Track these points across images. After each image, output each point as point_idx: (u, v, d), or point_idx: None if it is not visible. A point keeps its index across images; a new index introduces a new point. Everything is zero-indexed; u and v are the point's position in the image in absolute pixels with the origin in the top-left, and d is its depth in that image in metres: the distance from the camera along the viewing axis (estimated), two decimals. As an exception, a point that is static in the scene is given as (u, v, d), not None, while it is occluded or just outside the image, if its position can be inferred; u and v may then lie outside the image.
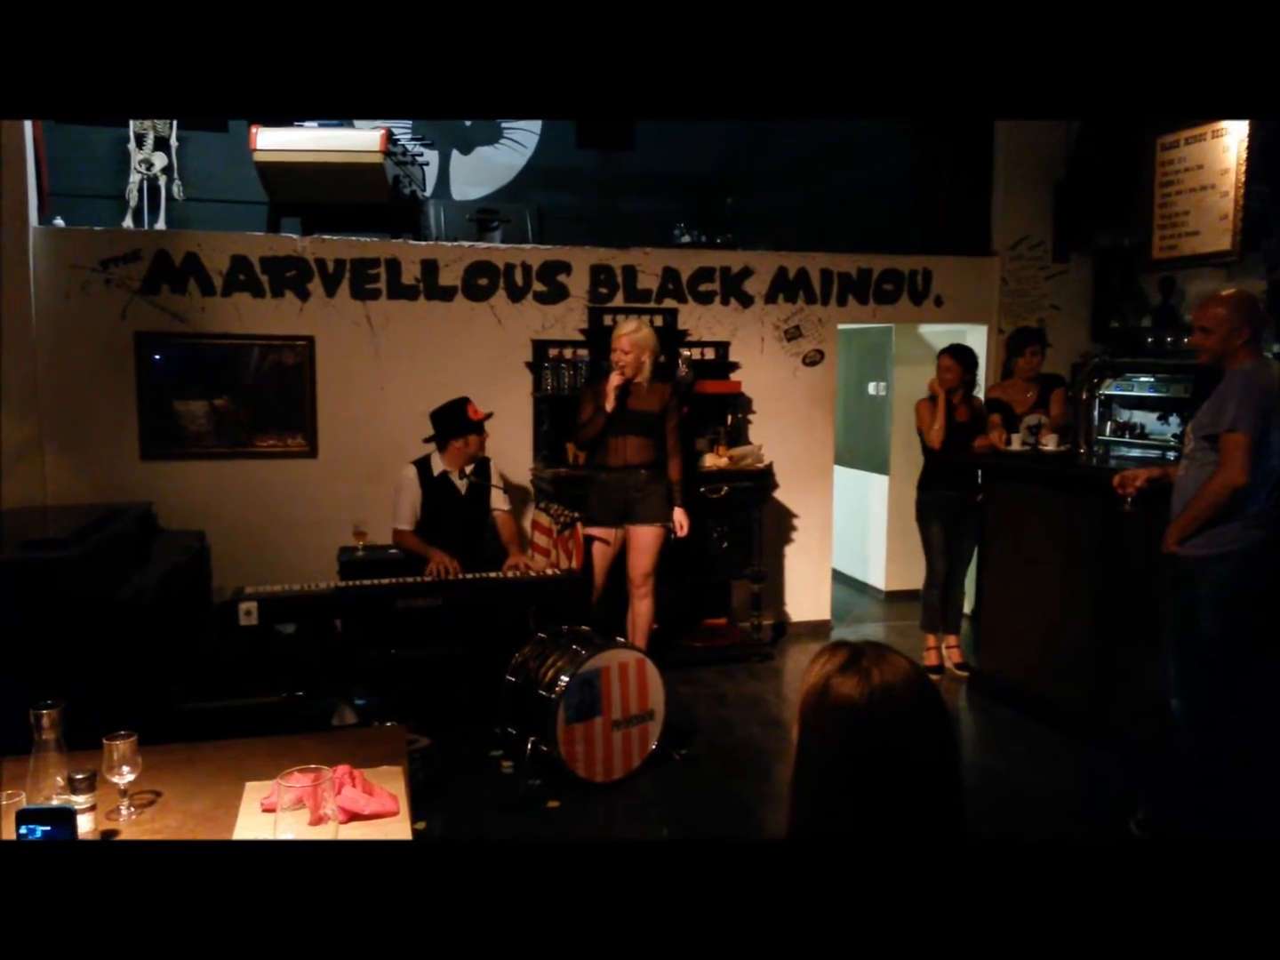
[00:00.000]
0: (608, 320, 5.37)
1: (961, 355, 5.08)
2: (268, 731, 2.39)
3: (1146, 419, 5.80)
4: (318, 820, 1.60)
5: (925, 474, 5.21)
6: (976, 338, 6.33)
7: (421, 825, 3.25)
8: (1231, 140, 5.12)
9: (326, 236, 5.12)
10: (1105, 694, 4.18)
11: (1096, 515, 4.15)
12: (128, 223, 5.18)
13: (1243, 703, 3.31)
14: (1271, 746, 3.39)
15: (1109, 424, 5.91)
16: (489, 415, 4.54)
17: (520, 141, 6.31)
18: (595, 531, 4.60)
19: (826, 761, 1.17)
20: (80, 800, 1.74)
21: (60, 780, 1.76)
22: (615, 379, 4.53)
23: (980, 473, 5.03)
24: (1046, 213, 6.24)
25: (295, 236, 5.09)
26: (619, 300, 5.53)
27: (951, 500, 5.07)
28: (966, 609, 6.38)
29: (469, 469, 4.52)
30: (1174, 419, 5.56)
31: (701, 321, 5.68)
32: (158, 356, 4.91)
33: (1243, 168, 5.08)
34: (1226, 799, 3.25)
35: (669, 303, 5.61)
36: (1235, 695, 3.28)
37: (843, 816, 1.16)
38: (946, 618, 5.30)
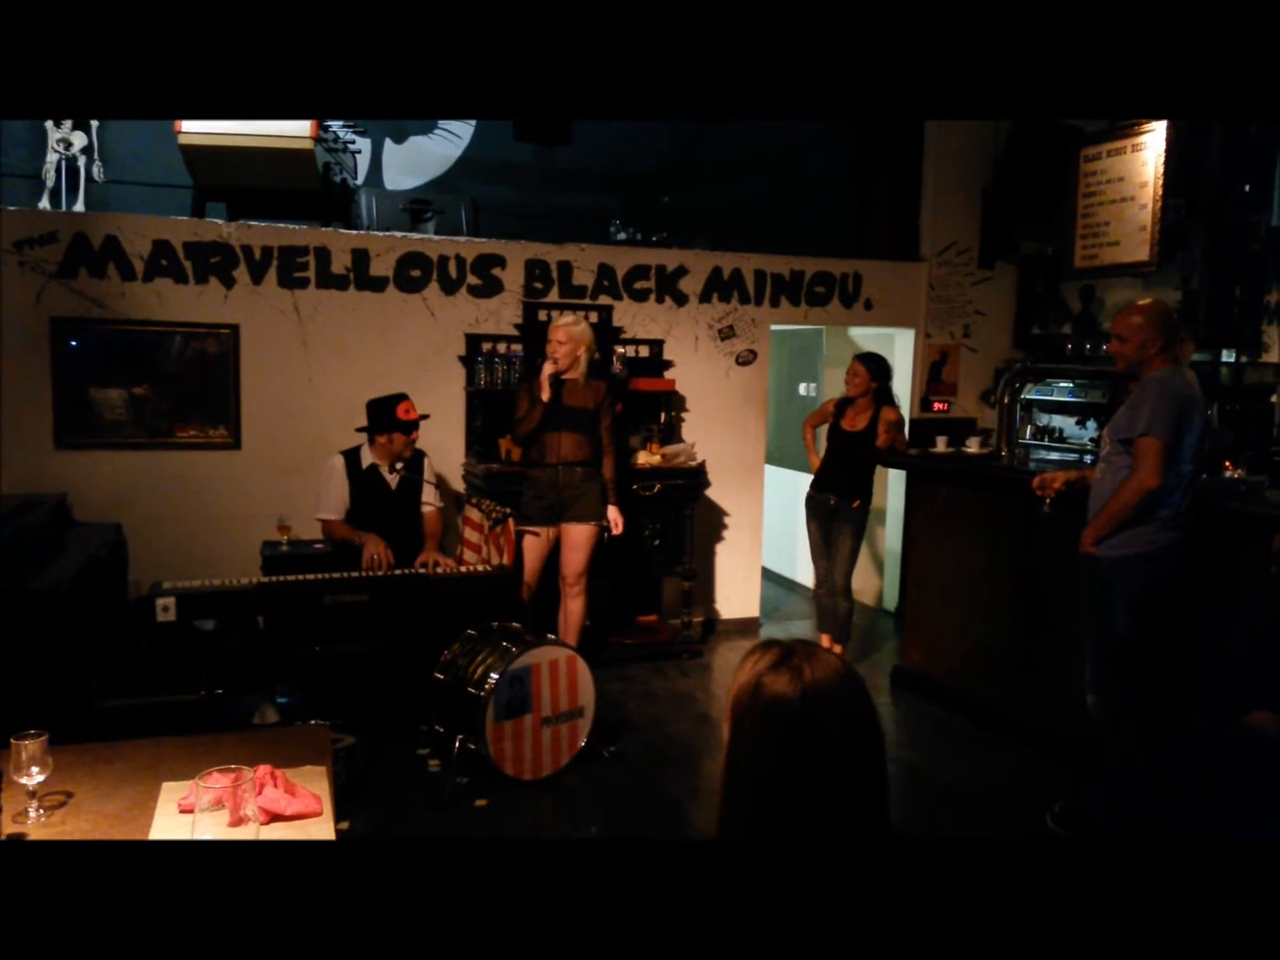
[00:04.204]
0: (542, 315, 5.35)
1: (870, 362, 5.05)
2: (186, 731, 2.32)
3: (1065, 423, 5.97)
4: (237, 821, 1.57)
5: (815, 475, 5.24)
6: (904, 342, 6.45)
7: (345, 825, 3.20)
8: (1150, 154, 5.29)
9: (253, 223, 5.00)
10: (1024, 690, 4.29)
11: (1017, 516, 4.26)
12: (44, 204, 5.00)
13: (1156, 698, 3.43)
14: (1185, 740, 3.52)
15: (1029, 428, 6.07)
16: (424, 417, 4.47)
17: (455, 132, 6.25)
18: (529, 529, 4.58)
19: (760, 759, 1.18)
20: (-15, 802, 1.68)
21: (-36, 782, 1.70)
22: (549, 368, 4.53)
23: (868, 481, 5.07)
24: (973, 220, 6.38)
25: (220, 222, 4.96)
26: (554, 295, 5.51)
27: (829, 502, 5.06)
28: (890, 606, 6.51)
29: (399, 465, 4.45)
30: (1091, 423, 5.74)
31: (636, 319, 5.69)
32: (75, 342, 4.75)
33: (1160, 181, 5.25)
34: (1139, 792, 3.37)
35: (604, 299, 5.61)
36: (1148, 691, 3.40)
37: (775, 814, 1.17)
38: (834, 624, 5.16)
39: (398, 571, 4.18)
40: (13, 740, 1.79)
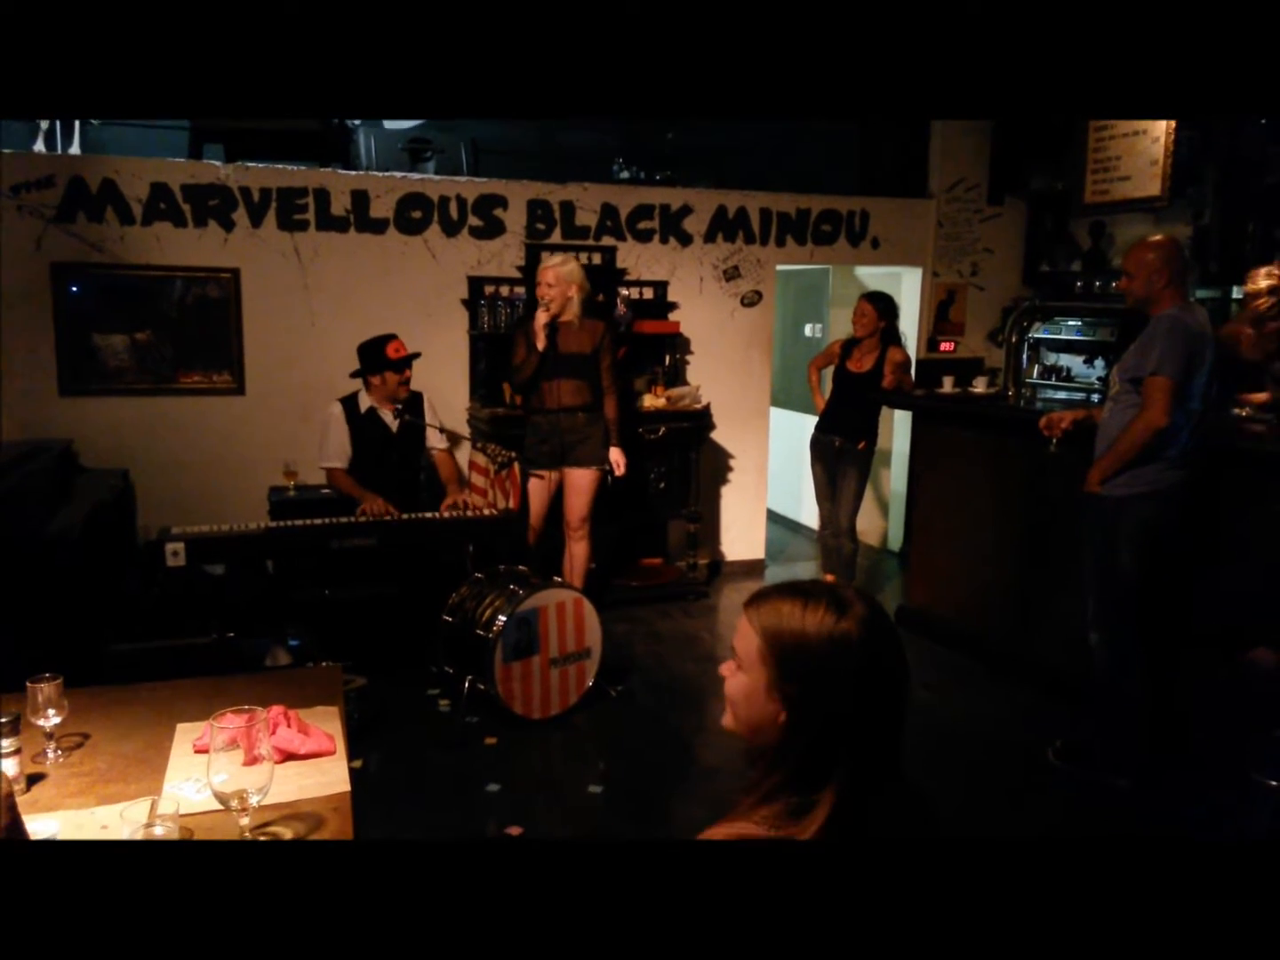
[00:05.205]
0: (545, 257, 5.29)
1: (877, 302, 5.00)
2: (199, 674, 2.34)
3: (1073, 362, 5.92)
4: (252, 761, 1.59)
5: (820, 416, 5.22)
6: (911, 281, 6.38)
7: (358, 764, 3.26)
8: (1163, 86, 5.16)
9: (251, 164, 4.94)
10: (1028, 628, 4.32)
11: (1023, 456, 4.25)
12: (39, 146, 4.93)
13: (1158, 636, 3.45)
14: (1187, 678, 3.55)
15: (1036, 367, 6.03)
16: (415, 355, 4.45)
17: (454, 69, 6.13)
18: (534, 471, 4.58)
19: (837, 707, 1.20)
20: (5, 744, 1.70)
21: (-18, 724, 1.72)
22: (542, 316, 4.46)
23: (874, 422, 5.04)
24: (983, 156, 6.27)
25: (218, 164, 4.89)
26: (557, 237, 5.44)
27: (834, 444, 5.05)
28: (895, 547, 6.54)
29: (400, 410, 4.44)
30: (1099, 362, 5.69)
31: (640, 260, 5.63)
32: (75, 288, 4.72)
33: (1173, 114, 5.14)
34: (1140, 730, 3.41)
35: (607, 240, 5.54)
36: (1150, 629, 3.42)
37: (838, 755, 1.18)
38: (839, 566, 5.16)
39: (405, 516, 4.20)
40: (29, 683, 1.81)
